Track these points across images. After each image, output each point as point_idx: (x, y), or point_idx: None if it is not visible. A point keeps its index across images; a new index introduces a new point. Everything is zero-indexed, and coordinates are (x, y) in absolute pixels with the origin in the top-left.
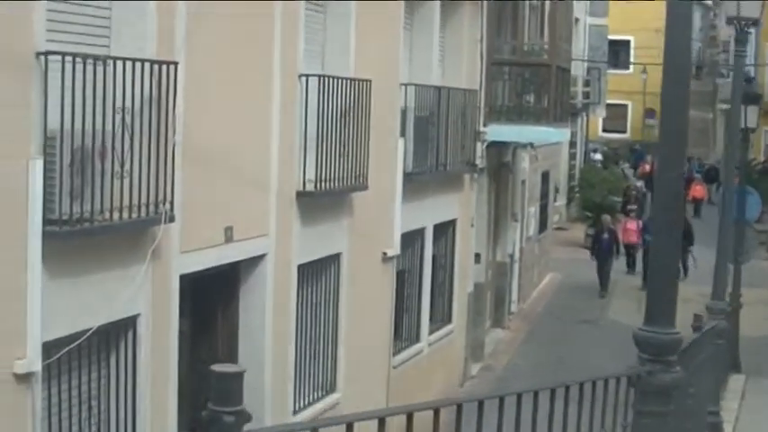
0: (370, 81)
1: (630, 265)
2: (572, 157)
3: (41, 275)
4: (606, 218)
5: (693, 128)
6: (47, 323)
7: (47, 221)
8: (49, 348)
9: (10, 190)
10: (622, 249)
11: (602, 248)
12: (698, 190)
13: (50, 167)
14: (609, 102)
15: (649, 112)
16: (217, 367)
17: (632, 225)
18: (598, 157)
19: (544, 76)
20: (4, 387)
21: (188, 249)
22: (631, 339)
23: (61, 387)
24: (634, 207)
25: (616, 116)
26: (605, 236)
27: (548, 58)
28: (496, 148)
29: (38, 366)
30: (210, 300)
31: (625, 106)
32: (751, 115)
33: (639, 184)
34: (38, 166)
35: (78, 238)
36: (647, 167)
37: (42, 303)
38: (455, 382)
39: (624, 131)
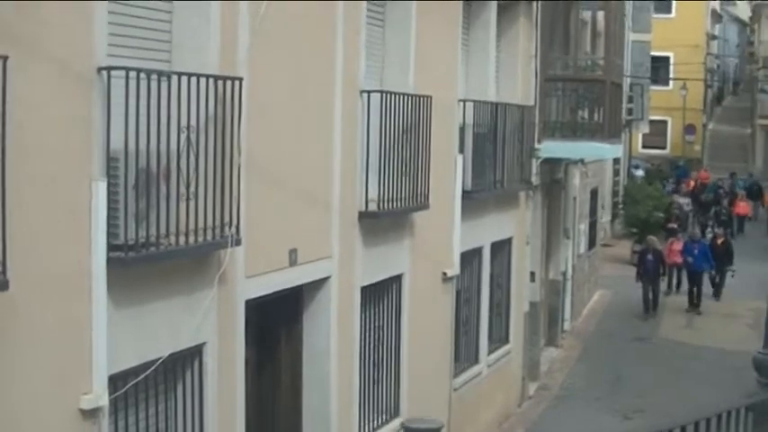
0: (431, 97)
1: (670, 285)
2: (615, 173)
3: (106, 305)
4: (652, 239)
5: (732, 143)
6: (112, 355)
7: (111, 247)
8: (115, 381)
9: (71, 213)
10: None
11: (647, 270)
12: (742, 206)
13: (113, 190)
14: (650, 118)
15: (689, 128)
16: (410, 423)
17: (678, 245)
18: (640, 173)
19: (599, 92)
20: (71, 424)
21: (253, 274)
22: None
23: (128, 420)
24: (674, 226)
25: (656, 132)
26: (650, 257)
27: (602, 73)
28: (549, 164)
29: (105, 401)
30: (273, 325)
31: (665, 122)
32: None
33: (685, 200)
34: (101, 188)
35: (144, 263)
36: (692, 184)
37: (108, 334)
38: (513, 402)
39: (664, 147)
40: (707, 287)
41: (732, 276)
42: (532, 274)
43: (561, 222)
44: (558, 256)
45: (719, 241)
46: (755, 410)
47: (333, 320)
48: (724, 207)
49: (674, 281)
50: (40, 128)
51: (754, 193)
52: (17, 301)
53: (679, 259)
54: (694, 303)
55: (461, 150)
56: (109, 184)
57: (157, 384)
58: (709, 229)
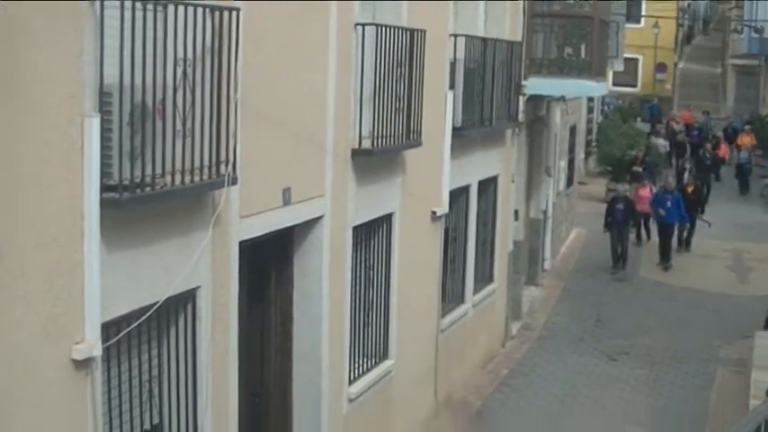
0: (425, 31)
1: (639, 236)
2: (589, 110)
3: (99, 248)
4: (622, 187)
5: (703, 83)
6: (106, 302)
7: (104, 187)
8: (107, 328)
9: (63, 152)
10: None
11: (616, 220)
12: (723, 149)
13: (107, 127)
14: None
15: (659, 67)
16: None
17: (645, 192)
18: (610, 108)
19: (586, 29)
20: (63, 375)
21: (247, 214)
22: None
23: (121, 368)
24: (640, 169)
25: (627, 70)
26: (620, 206)
27: (591, 9)
28: (532, 101)
29: (98, 351)
30: (263, 266)
31: (636, 60)
32: None
33: (662, 142)
34: (94, 124)
35: (138, 205)
36: (674, 125)
37: (101, 280)
38: (497, 342)
39: (635, 85)
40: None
41: (709, 226)
42: (516, 212)
43: (543, 160)
44: (539, 194)
45: (690, 189)
46: None
47: (325, 261)
48: (708, 151)
49: (644, 232)
50: (30, 62)
51: (729, 137)
52: (4, 246)
53: (647, 207)
54: (666, 257)
55: (452, 87)
56: (102, 121)
57: (150, 330)
58: (687, 175)
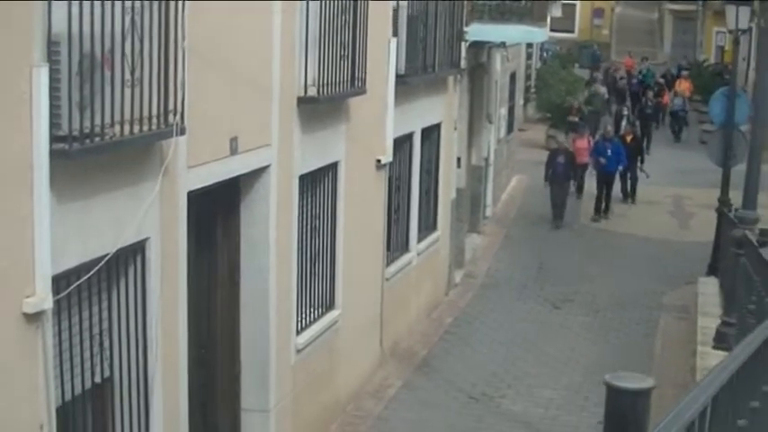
0: None
1: (581, 189)
2: (528, 57)
3: (49, 200)
4: (563, 139)
5: (640, 28)
6: (56, 254)
7: (54, 138)
8: (58, 281)
9: (10, 102)
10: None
11: (556, 174)
12: (665, 96)
13: (55, 76)
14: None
15: (597, 12)
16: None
17: (583, 143)
18: (548, 55)
19: None
20: (13, 328)
21: (195, 164)
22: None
23: (71, 321)
24: (576, 119)
25: (565, 16)
26: (560, 159)
27: None
28: (473, 48)
29: (49, 304)
30: (210, 216)
31: (573, 6)
32: (742, 17)
33: (602, 89)
34: (43, 74)
35: (88, 155)
36: (615, 72)
37: (51, 232)
38: (441, 290)
39: (572, 31)
40: (616, 191)
41: (648, 177)
42: (458, 159)
43: (484, 107)
44: (480, 141)
45: (629, 138)
46: None
47: (271, 211)
48: (649, 99)
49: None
50: None
51: (668, 82)
52: None
53: (585, 158)
54: (603, 210)
55: (395, 34)
56: (51, 71)
57: (100, 283)
58: (624, 123)
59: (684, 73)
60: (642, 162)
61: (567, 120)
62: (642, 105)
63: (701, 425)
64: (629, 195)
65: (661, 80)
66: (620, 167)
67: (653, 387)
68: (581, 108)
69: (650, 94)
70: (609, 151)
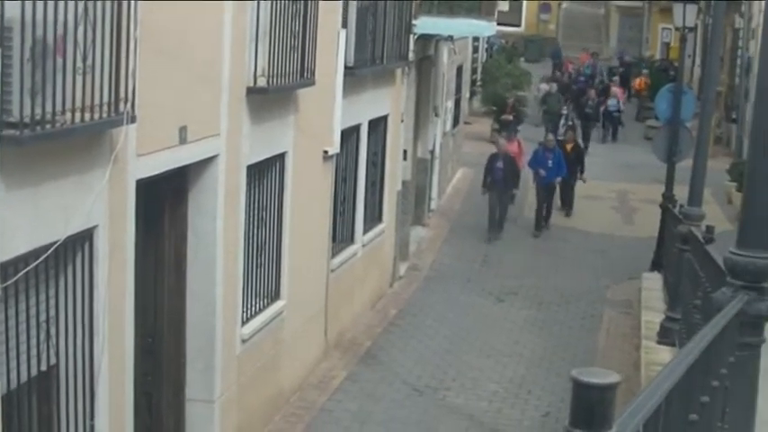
0: None
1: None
2: (473, 50)
3: None
4: (502, 142)
5: (586, 23)
6: (4, 241)
7: (4, 124)
8: (5, 268)
9: None
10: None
11: (496, 180)
12: (618, 94)
13: (7, 62)
14: None
15: (544, 6)
16: (580, 375)
17: (513, 147)
18: (494, 49)
19: None
20: None
21: (144, 152)
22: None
23: (18, 308)
24: (510, 117)
25: (511, 10)
26: (500, 164)
27: None
28: (421, 41)
29: None
30: (158, 205)
31: (520, 0)
32: (689, 14)
33: (548, 87)
34: None
35: (39, 142)
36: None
37: (0, 219)
38: (386, 282)
39: (518, 25)
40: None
41: (584, 182)
42: (405, 152)
43: (431, 100)
44: (426, 133)
45: (569, 147)
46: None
47: (219, 201)
48: (591, 98)
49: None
50: None
51: (624, 80)
52: None
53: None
54: (543, 223)
55: (344, 25)
56: (2, 57)
57: (48, 270)
58: (561, 126)
59: (645, 71)
60: (582, 172)
61: (501, 118)
62: (581, 104)
63: (656, 421)
64: (566, 207)
65: (615, 78)
66: (559, 178)
67: (619, 382)
68: (515, 106)
69: (592, 92)
70: (550, 162)
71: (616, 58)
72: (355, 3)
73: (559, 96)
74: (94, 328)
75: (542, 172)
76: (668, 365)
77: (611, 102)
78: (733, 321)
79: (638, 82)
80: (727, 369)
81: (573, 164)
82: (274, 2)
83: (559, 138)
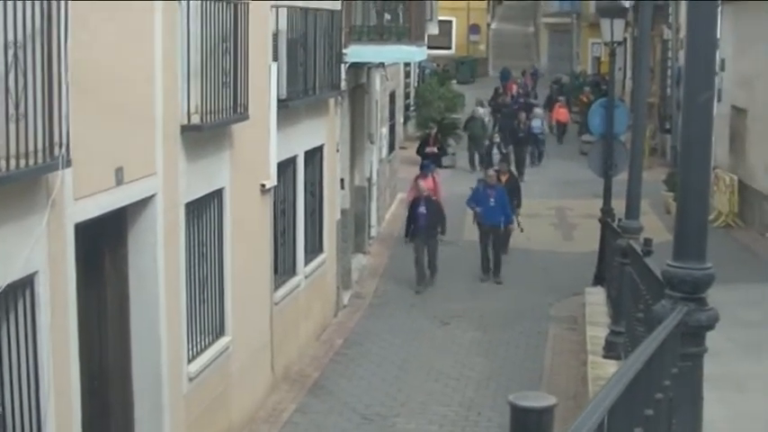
0: (248, 3)
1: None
2: (405, 75)
3: None
4: (422, 185)
5: (517, 43)
6: None
7: None
8: None
9: None
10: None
11: (419, 227)
12: (561, 113)
13: None
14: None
15: (473, 28)
16: (518, 400)
17: (428, 183)
18: (426, 73)
19: None
20: None
21: (81, 196)
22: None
23: None
24: (435, 150)
25: (441, 33)
26: (422, 209)
27: None
28: (353, 69)
29: None
30: (98, 247)
31: (450, 22)
32: (617, 29)
33: (483, 110)
34: None
35: None
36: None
37: None
38: (330, 312)
39: (449, 48)
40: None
41: (521, 231)
42: (342, 180)
43: (366, 127)
44: (363, 161)
45: (503, 178)
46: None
47: (159, 240)
48: (521, 121)
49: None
50: None
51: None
52: None
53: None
54: (488, 268)
55: (276, 58)
56: None
57: None
58: (495, 151)
59: (561, 99)
60: (519, 206)
61: (425, 152)
62: (514, 129)
63: None
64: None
65: (561, 98)
66: (504, 223)
67: (556, 404)
68: (438, 137)
69: (522, 115)
70: (492, 200)
71: (551, 82)
72: (285, 35)
73: (482, 121)
74: (39, 375)
75: (477, 209)
76: (610, 381)
77: (535, 123)
78: (674, 333)
79: (556, 112)
80: (671, 380)
81: (509, 198)
82: (204, 40)
83: (495, 169)
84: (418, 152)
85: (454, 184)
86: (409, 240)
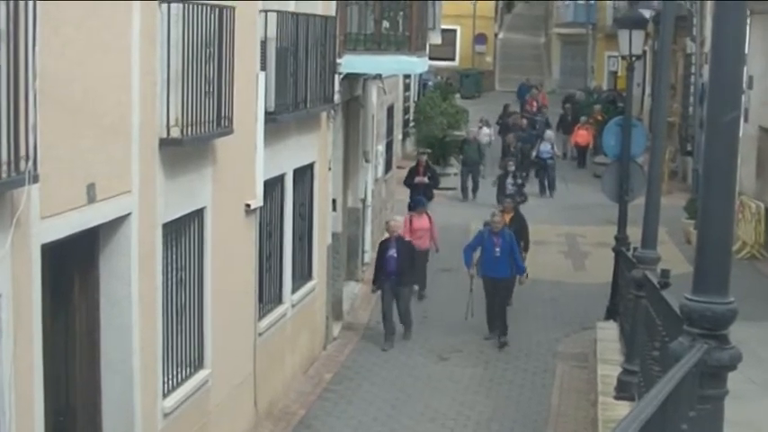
0: (234, 8)
1: (422, 288)
2: (406, 88)
3: None
4: (394, 223)
5: (526, 54)
6: None
7: None
8: None
9: None
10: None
11: (388, 273)
12: (582, 135)
13: None
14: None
15: (479, 38)
16: None
17: (422, 222)
18: (428, 86)
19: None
20: None
21: (49, 214)
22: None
23: None
24: (426, 179)
25: (444, 43)
26: (392, 252)
27: None
28: (347, 80)
29: None
30: (66, 270)
31: (454, 32)
32: (636, 41)
33: (486, 131)
34: None
35: None
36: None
37: None
38: (318, 344)
39: (453, 59)
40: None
41: (521, 284)
42: (334, 202)
43: (360, 144)
44: (357, 181)
45: (507, 217)
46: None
47: (133, 263)
48: (512, 145)
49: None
50: None
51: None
52: None
53: (421, 245)
54: (495, 326)
55: (263, 68)
56: None
57: None
58: (510, 182)
59: (582, 119)
60: (527, 249)
61: (413, 183)
62: (525, 153)
63: None
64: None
65: (583, 118)
66: (516, 272)
67: None
68: (429, 165)
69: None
70: (498, 250)
71: (563, 99)
72: (274, 43)
73: (479, 144)
74: (1, 408)
75: (471, 272)
76: (620, 424)
77: (544, 147)
78: (692, 373)
79: (576, 134)
80: (689, 425)
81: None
82: (186, 45)
83: (500, 209)
84: (406, 183)
85: (446, 215)
86: (376, 288)
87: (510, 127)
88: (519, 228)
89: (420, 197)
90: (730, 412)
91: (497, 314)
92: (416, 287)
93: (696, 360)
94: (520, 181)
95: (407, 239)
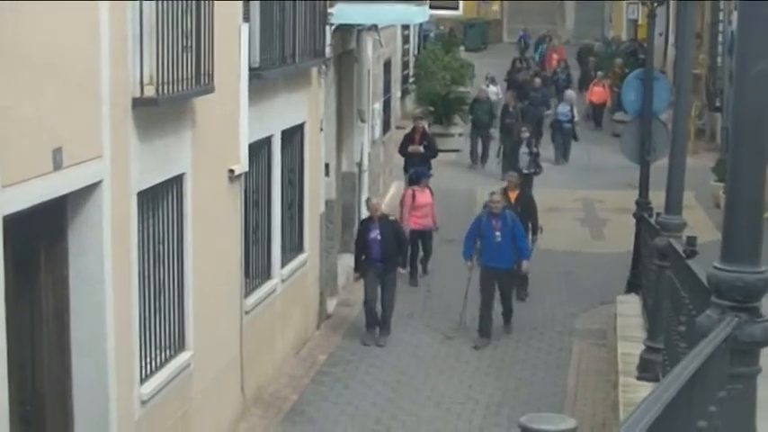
0: None
1: (414, 274)
2: (404, 40)
3: None
4: (376, 201)
5: (537, 4)
6: None
7: None
8: None
9: None
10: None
11: (371, 259)
12: (597, 92)
13: None
14: None
15: None
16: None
17: (426, 197)
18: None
19: None
20: None
21: (11, 182)
22: None
23: None
24: (419, 149)
25: None
26: (376, 234)
27: None
28: (340, 32)
29: None
30: (30, 245)
31: None
32: None
33: (493, 89)
34: None
35: None
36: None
37: None
38: (311, 323)
39: (456, 8)
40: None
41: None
42: (327, 166)
43: (355, 103)
44: (352, 143)
45: (512, 195)
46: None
47: (106, 236)
48: (511, 104)
49: (419, 264)
50: None
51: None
52: None
53: (427, 223)
54: (487, 330)
55: (247, 19)
56: None
57: None
58: (525, 152)
59: (618, 60)
60: (536, 232)
61: (408, 151)
62: (540, 117)
63: None
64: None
65: (599, 72)
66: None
67: (575, 428)
68: (426, 132)
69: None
70: (498, 234)
71: (577, 51)
72: None
73: (491, 104)
74: None
75: (470, 264)
76: (641, 405)
77: (561, 108)
78: (721, 349)
79: (590, 92)
80: (717, 406)
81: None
82: None
83: (502, 187)
84: (400, 151)
85: (451, 180)
86: (359, 276)
87: (520, 85)
88: (525, 207)
89: (422, 168)
90: (764, 392)
91: (502, 308)
92: (402, 270)
93: (725, 335)
94: (535, 149)
95: (393, 218)
